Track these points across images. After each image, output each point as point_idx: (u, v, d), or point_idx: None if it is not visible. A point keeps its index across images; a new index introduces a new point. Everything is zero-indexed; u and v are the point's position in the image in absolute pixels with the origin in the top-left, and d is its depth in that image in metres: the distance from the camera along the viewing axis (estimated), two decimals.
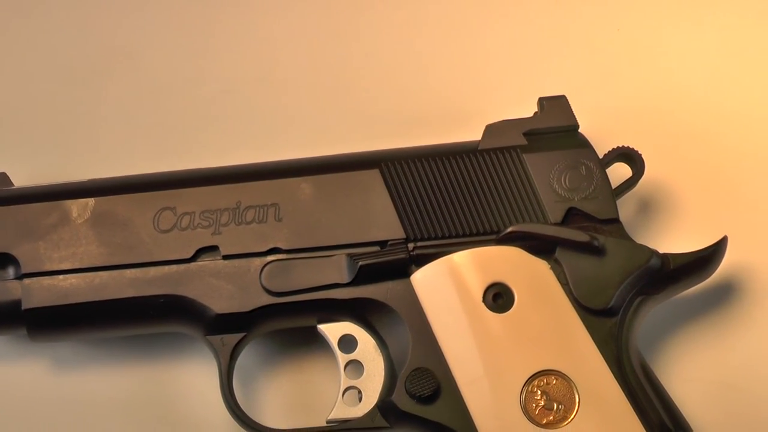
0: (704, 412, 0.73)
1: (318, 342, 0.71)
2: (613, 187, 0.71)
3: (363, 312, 0.70)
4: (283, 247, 0.70)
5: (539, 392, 0.66)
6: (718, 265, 0.71)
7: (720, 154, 0.77)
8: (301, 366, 0.74)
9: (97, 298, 0.70)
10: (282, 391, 0.73)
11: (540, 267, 0.69)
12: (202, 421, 0.73)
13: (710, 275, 0.72)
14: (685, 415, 0.70)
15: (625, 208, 0.75)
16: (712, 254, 0.71)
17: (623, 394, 0.67)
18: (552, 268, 0.69)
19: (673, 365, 0.74)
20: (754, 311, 0.75)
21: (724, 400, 0.74)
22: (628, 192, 0.73)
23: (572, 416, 0.66)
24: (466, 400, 0.67)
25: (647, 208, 0.76)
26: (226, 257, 0.70)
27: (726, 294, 0.75)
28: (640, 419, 0.67)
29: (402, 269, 0.69)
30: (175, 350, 0.74)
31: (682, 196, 0.76)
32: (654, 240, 0.74)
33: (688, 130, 0.77)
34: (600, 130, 0.74)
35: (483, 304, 0.68)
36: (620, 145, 0.72)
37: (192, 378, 0.73)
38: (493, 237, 0.69)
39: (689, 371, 0.74)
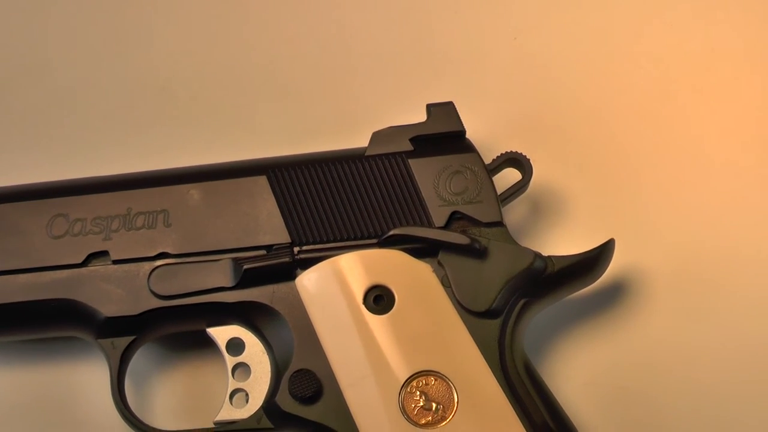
0: (597, 416, 0.74)
1: (209, 345, 0.72)
2: (501, 191, 0.73)
3: (249, 315, 0.71)
4: (172, 251, 0.71)
5: (418, 393, 0.67)
6: (605, 267, 0.72)
7: (608, 158, 0.78)
8: (192, 369, 0.75)
9: None
10: (173, 394, 0.74)
11: (422, 270, 0.70)
12: (95, 424, 0.74)
13: (597, 278, 0.73)
14: (580, 420, 0.71)
15: (515, 212, 0.76)
16: (597, 256, 0.71)
17: (504, 395, 0.68)
18: (435, 270, 0.70)
19: (564, 368, 0.75)
20: (645, 313, 0.76)
21: (617, 402, 0.75)
22: (517, 196, 0.74)
23: (451, 416, 0.67)
24: (347, 401, 0.68)
25: (537, 212, 0.77)
26: (115, 262, 0.71)
27: (616, 296, 0.76)
28: (522, 420, 0.68)
29: (287, 273, 0.70)
30: (69, 354, 0.75)
31: (572, 200, 0.77)
32: (544, 243, 0.76)
33: (577, 136, 0.78)
34: (490, 136, 0.76)
35: (363, 306, 0.69)
36: (508, 150, 0.73)
37: (86, 381, 0.75)
38: (377, 240, 0.70)
39: (581, 375, 0.75)
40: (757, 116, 0.78)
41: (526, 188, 0.74)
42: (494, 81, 0.79)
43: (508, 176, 0.74)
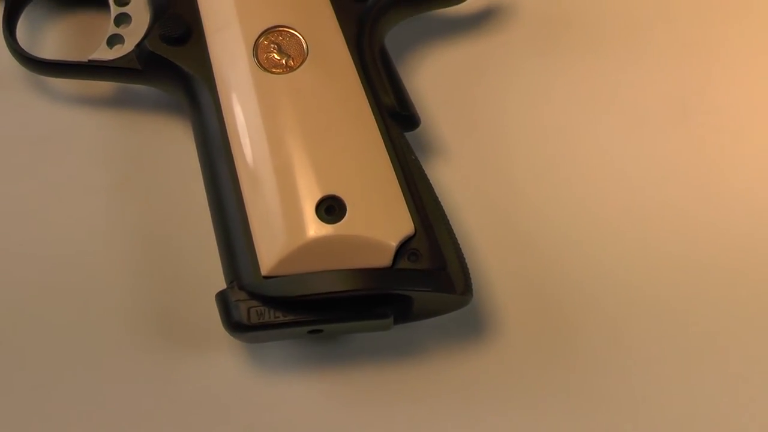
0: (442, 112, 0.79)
1: (102, 7, 0.78)
2: None
3: None
4: None
5: (273, 45, 0.72)
6: None
7: None
8: (78, 20, 0.81)
9: None
10: (58, 38, 0.80)
11: None
12: None
13: None
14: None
15: None
16: None
17: (353, 64, 0.73)
18: None
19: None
20: (513, 46, 0.80)
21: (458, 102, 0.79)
22: None
23: (299, 67, 0.72)
24: (208, 46, 0.73)
25: None
26: None
27: (485, 23, 0.81)
28: (368, 97, 0.72)
29: None
30: None
31: None
32: None
33: None
34: None
35: None
36: None
37: None
38: None
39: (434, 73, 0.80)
40: None
41: None
42: None
43: None
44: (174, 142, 0.78)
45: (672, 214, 0.76)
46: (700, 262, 0.75)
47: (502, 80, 0.80)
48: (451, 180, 0.76)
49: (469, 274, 0.70)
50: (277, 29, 0.73)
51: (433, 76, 0.79)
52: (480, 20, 0.81)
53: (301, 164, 0.69)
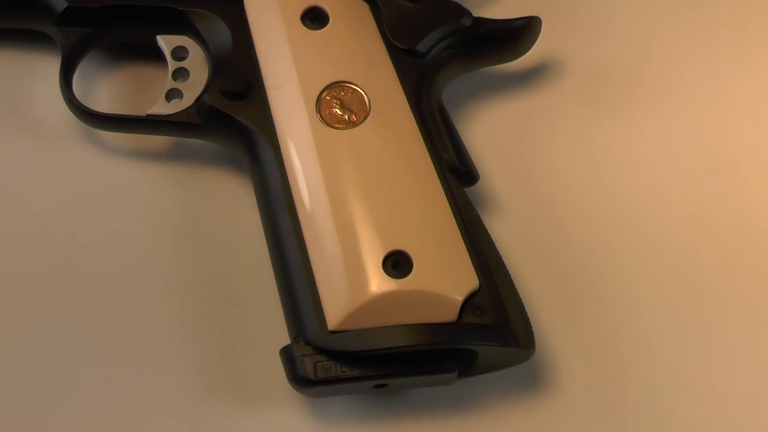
0: (496, 162, 0.80)
1: (156, 59, 0.78)
2: None
3: (197, 25, 0.77)
4: None
5: (335, 100, 0.73)
6: (530, 43, 0.78)
7: None
8: (137, 74, 0.81)
9: None
10: (116, 92, 0.80)
11: (359, 4, 0.76)
12: (40, 109, 0.80)
13: (521, 53, 0.79)
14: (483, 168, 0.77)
15: None
16: (523, 28, 0.77)
17: (414, 121, 0.73)
18: (371, 10, 0.76)
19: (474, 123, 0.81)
20: (556, 98, 0.81)
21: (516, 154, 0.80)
22: None
23: (362, 123, 0.72)
24: (270, 101, 0.73)
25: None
26: None
27: (535, 79, 0.82)
28: (429, 153, 0.73)
29: None
30: (23, 46, 0.81)
31: None
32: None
33: None
34: None
35: (300, 21, 0.75)
36: None
37: (35, 71, 0.81)
38: None
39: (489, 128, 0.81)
40: None
41: None
42: None
43: None
44: (229, 194, 0.78)
45: (726, 266, 0.77)
46: (760, 313, 0.76)
47: (553, 133, 0.80)
48: (506, 233, 0.77)
49: (531, 328, 0.71)
50: (339, 84, 0.73)
51: (485, 130, 0.80)
52: (530, 75, 0.82)
53: (366, 219, 0.70)
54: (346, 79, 0.73)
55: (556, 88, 0.82)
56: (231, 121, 0.74)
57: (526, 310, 0.71)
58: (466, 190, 0.74)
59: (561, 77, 0.82)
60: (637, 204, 0.79)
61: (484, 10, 0.82)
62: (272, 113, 0.73)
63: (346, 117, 0.73)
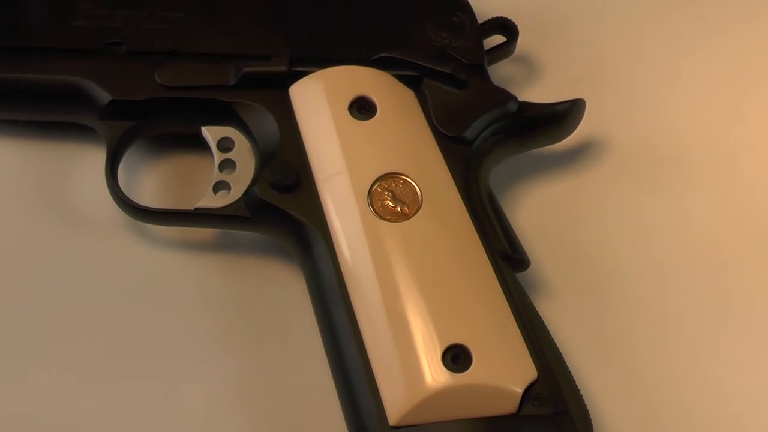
0: (548, 250, 0.80)
1: (201, 148, 0.78)
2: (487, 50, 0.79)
3: (242, 116, 0.77)
4: (182, 50, 0.77)
5: (386, 192, 0.73)
6: (573, 125, 0.79)
7: (593, 36, 0.85)
8: (183, 166, 0.81)
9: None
10: (162, 184, 0.80)
11: (406, 93, 0.76)
12: (85, 202, 0.79)
13: (565, 134, 0.79)
14: (534, 255, 0.77)
15: (498, 73, 0.82)
16: (568, 111, 0.78)
17: (466, 210, 0.73)
18: (417, 97, 0.76)
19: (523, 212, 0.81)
20: (602, 179, 0.82)
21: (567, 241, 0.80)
22: (502, 59, 0.81)
23: (414, 215, 0.72)
24: (320, 194, 0.73)
25: (518, 77, 0.83)
26: (129, 53, 0.77)
27: (579, 159, 0.82)
28: (482, 242, 0.73)
29: (281, 82, 0.76)
30: (70, 139, 0.81)
31: (553, 71, 0.84)
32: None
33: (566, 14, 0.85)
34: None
35: (348, 111, 0.75)
36: (498, 15, 0.80)
37: (82, 163, 0.80)
38: (367, 63, 0.77)
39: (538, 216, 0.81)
40: None
41: (512, 52, 0.81)
42: None
43: (495, 42, 0.81)
44: (278, 283, 0.77)
45: None
46: None
47: (599, 213, 0.81)
48: (557, 316, 0.77)
49: (589, 416, 0.70)
50: (390, 176, 0.73)
51: (530, 212, 0.80)
52: (574, 155, 0.82)
53: (424, 312, 0.70)
54: (397, 171, 0.73)
55: (600, 167, 0.82)
56: (281, 213, 0.74)
57: (583, 396, 0.71)
58: (517, 275, 0.74)
59: (604, 156, 0.82)
60: (689, 281, 0.79)
61: (526, 91, 0.82)
62: (323, 206, 0.73)
63: (399, 209, 0.72)
